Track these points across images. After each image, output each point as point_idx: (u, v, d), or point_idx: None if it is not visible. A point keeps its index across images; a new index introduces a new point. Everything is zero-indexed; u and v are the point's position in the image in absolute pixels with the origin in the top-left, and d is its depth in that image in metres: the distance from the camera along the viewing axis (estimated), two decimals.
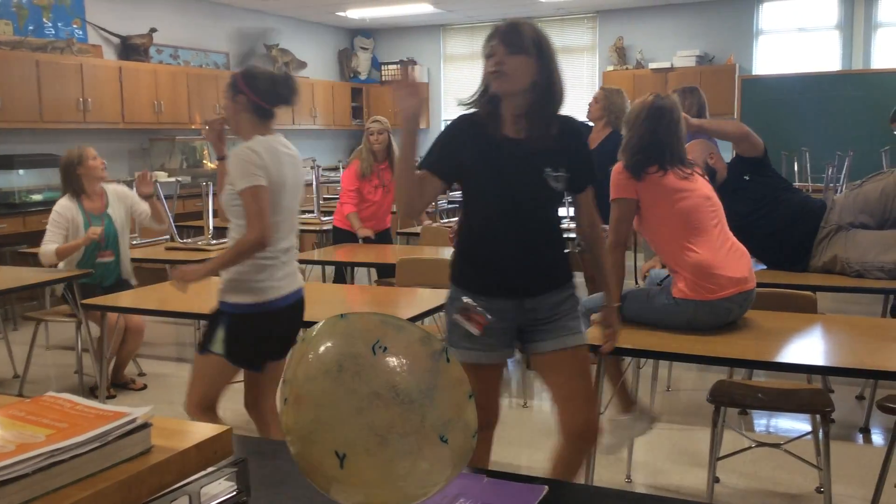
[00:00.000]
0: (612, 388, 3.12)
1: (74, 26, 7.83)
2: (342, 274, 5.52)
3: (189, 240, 5.66)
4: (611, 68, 10.47)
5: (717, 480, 3.17)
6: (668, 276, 3.02)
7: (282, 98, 2.80)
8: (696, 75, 9.63)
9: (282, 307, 2.79)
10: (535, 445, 3.78)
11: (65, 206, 4.43)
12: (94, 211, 4.49)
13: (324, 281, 6.26)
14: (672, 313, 2.81)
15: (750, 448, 3.25)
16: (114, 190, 4.65)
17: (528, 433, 3.92)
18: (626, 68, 10.38)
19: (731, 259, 2.85)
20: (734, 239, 2.93)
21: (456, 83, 11.73)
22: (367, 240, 5.37)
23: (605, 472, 3.32)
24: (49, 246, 4.34)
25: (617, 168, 2.93)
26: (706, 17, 10.17)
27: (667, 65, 10.08)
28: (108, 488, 0.90)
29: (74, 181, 4.47)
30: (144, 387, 4.70)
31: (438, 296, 3.59)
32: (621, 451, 3.35)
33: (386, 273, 5.21)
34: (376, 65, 12.03)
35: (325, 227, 6.75)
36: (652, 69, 10.15)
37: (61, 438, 0.90)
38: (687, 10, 10.25)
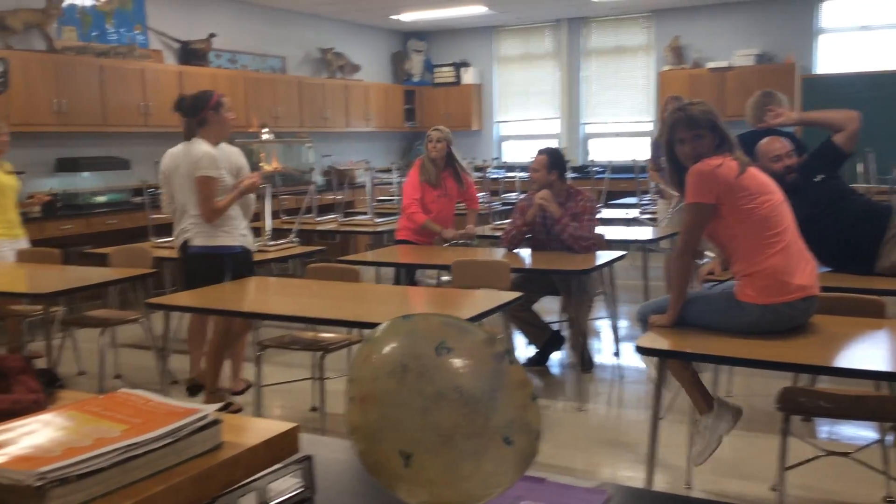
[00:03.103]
0: (688, 391, 3.05)
1: (136, 32, 8.03)
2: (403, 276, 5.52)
3: None
4: (667, 68, 10.34)
5: (775, 489, 3.10)
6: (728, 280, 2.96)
7: None
8: (754, 75, 9.45)
9: None
10: (591, 449, 3.75)
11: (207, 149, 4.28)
12: None
13: (377, 282, 6.30)
14: (735, 317, 2.76)
15: (818, 457, 3.17)
16: (234, 150, 4.58)
17: (584, 437, 3.89)
18: (683, 68, 10.24)
19: (801, 264, 2.79)
20: (802, 243, 2.87)
21: (508, 85, 11.71)
22: (449, 240, 5.40)
23: (662, 479, 3.28)
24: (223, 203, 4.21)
25: (695, 170, 2.86)
26: (765, 16, 9.97)
27: (725, 64, 9.91)
28: (180, 483, 0.92)
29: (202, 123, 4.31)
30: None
31: (493, 298, 3.60)
32: (712, 454, 3.07)
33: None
34: (429, 67, 12.07)
35: (378, 230, 6.82)
36: (709, 69, 9.99)
37: (136, 434, 0.93)
38: (745, 8, 10.06)
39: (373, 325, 3.09)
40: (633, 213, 7.25)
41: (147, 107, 7.55)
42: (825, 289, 2.94)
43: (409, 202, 5.48)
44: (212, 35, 8.55)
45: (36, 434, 0.95)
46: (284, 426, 1.09)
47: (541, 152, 4.91)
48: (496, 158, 11.27)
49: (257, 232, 6.04)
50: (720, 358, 2.75)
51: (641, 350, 2.77)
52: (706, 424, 2.97)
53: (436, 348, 1.04)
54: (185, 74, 8.04)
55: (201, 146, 4.15)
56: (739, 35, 10.10)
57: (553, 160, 4.82)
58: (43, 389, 1.19)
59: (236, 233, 4.30)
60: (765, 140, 3.98)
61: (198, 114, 4.19)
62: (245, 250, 4.40)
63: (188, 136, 4.32)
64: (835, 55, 9.76)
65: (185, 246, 4.34)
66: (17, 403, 1.10)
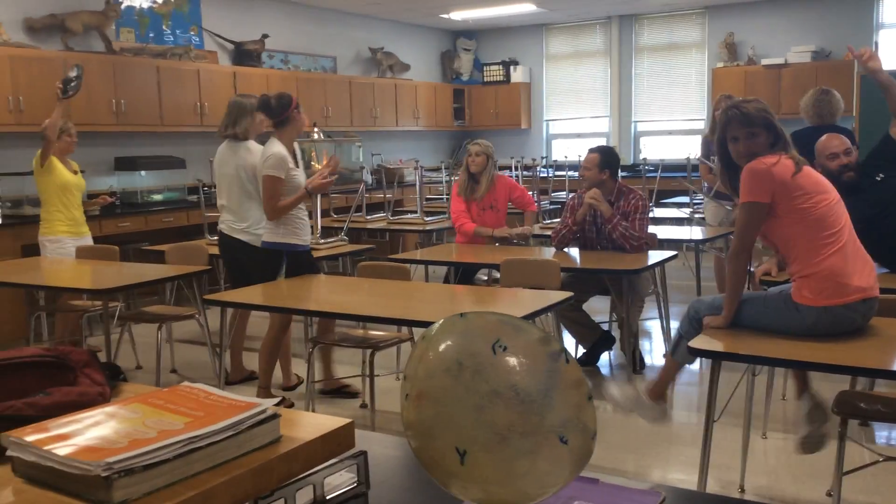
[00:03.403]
0: (664, 374, 3.27)
1: (192, 33, 8.18)
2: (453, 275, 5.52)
3: None
4: (721, 65, 10.17)
5: (831, 494, 3.04)
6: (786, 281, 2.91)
7: None
8: (811, 72, 9.24)
9: None
10: (642, 451, 3.72)
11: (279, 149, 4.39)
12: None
13: (426, 280, 6.32)
14: (792, 319, 2.71)
15: (876, 462, 3.09)
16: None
17: (635, 438, 3.85)
18: (737, 65, 10.07)
19: (859, 265, 2.73)
20: (859, 243, 2.80)
21: (558, 83, 11.64)
22: (504, 240, 5.40)
23: (715, 482, 3.23)
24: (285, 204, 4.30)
25: (749, 169, 2.80)
26: (822, 11, 9.75)
27: (780, 61, 9.71)
28: (241, 475, 0.94)
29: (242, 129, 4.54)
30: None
31: (543, 297, 3.59)
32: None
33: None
34: (478, 66, 12.07)
35: (427, 228, 6.84)
36: (764, 65, 9.80)
37: (198, 426, 0.95)
38: (801, 3, 9.84)
39: (423, 324, 3.12)
40: (685, 212, 7.16)
41: (202, 107, 7.69)
42: (884, 290, 2.87)
43: (456, 215, 5.52)
44: (265, 36, 8.67)
45: (102, 425, 0.98)
46: (340, 421, 1.10)
47: (592, 151, 4.87)
48: (545, 157, 11.22)
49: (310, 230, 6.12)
50: (776, 360, 2.70)
51: (695, 352, 2.74)
52: (643, 402, 3.26)
53: (491, 346, 1.04)
54: (239, 75, 8.17)
55: (273, 146, 4.25)
56: (795, 31, 9.89)
57: (605, 158, 4.79)
58: (107, 382, 1.23)
59: (301, 232, 4.38)
60: (824, 137, 3.90)
61: (281, 114, 4.29)
62: (309, 249, 4.49)
63: (230, 135, 4.53)
64: None
65: (225, 239, 4.55)
66: (84, 396, 1.13)
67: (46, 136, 5.06)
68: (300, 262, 4.36)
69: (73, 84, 5.05)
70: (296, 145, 4.50)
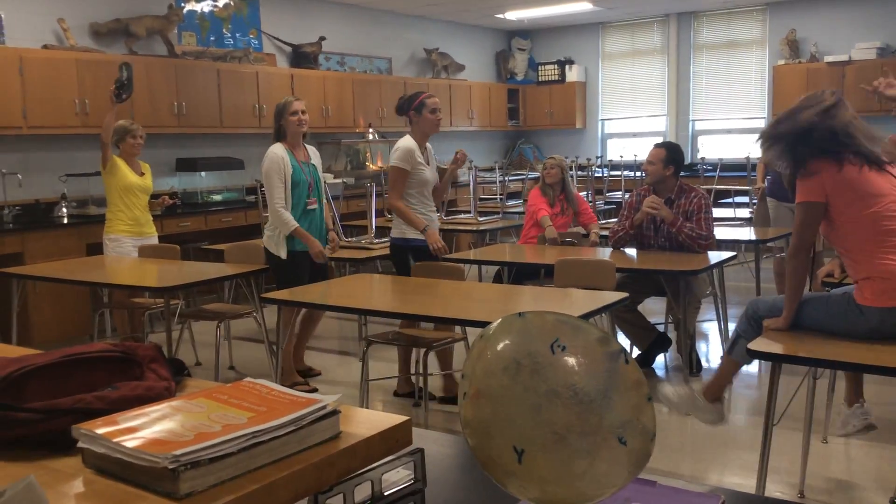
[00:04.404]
0: (719, 375, 3.23)
1: (251, 36, 8.32)
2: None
3: (353, 238, 5.89)
4: (782, 62, 9.95)
5: (893, 501, 2.95)
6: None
7: None
8: (876, 69, 8.94)
9: None
10: (699, 454, 3.66)
11: (276, 150, 4.60)
12: (301, 158, 4.70)
13: (479, 280, 6.33)
14: (855, 321, 2.65)
15: None
16: (311, 149, 4.87)
17: (692, 441, 3.80)
18: (800, 62, 9.84)
19: None
20: None
21: (614, 82, 11.53)
22: (552, 241, 5.48)
23: (774, 487, 3.17)
24: (288, 216, 4.54)
25: (803, 171, 2.77)
26: (888, 6, 9.46)
27: (844, 58, 9.45)
28: (302, 470, 0.95)
29: (280, 129, 4.66)
30: (319, 373, 5.04)
31: (598, 298, 3.56)
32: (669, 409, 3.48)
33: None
34: (533, 66, 12.01)
35: (481, 228, 6.85)
36: (828, 63, 9.55)
37: (261, 421, 0.97)
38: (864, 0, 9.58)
39: (477, 323, 3.12)
40: (744, 212, 7.02)
41: (261, 108, 7.81)
42: None
43: (536, 208, 5.76)
44: (322, 38, 8.77)
45: (168, 419, 1.00)
46: (398, 419, 1.11)
47: (658, 146, 4.84)
48: (600, 157, 11.12)
49: (364, 230, 6.18)
50: (838, 363, 2.64)
51: (754, 354, 2.69)
52: (699, 403, 3.21)
53: (550, 346, 1.04)
54: (297, 77, 8.28)
55: (404, 140, 4.55)
56: (859, 27, 9.62)
57: (670, 154, 4.75)
58: (172, 377, 1.26)
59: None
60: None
61: (406, 111, 4.60)
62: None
63: (277, 137, 4.69)
64: None
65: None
66: (151, 390, 1.16)
67: (101, 139, 5.21)
68: (425, 256, 4.49)
69: (125, 86, 5.18)
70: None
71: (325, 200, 4.89)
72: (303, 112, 4.64)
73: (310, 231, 4.64)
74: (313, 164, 4.78)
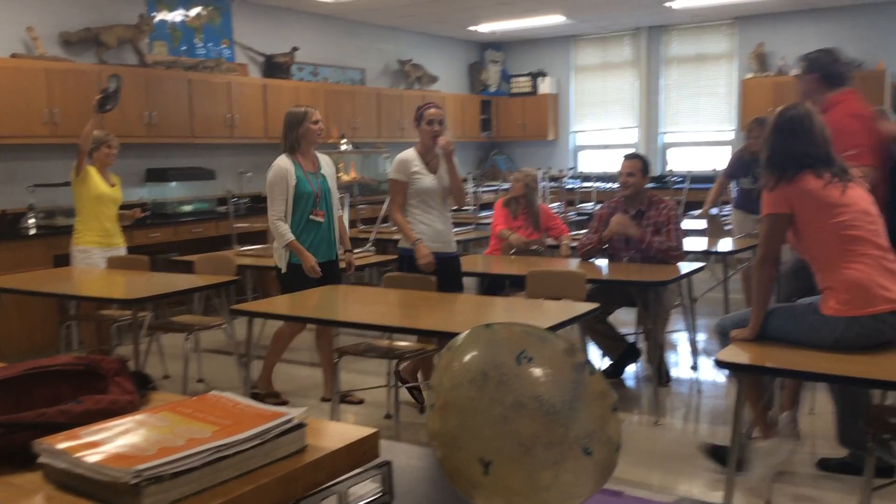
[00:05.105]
0: (753, 410, 3.00)
1: (223, 46, 8.29)
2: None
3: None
4: (750, 76, 10.10)
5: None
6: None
7: None
8: None
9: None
10: (667, 465, 3.68)
11: (280, 163, 4.51)
12: (309, 168, 4.59)
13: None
14: (820, 331, 2.68)
15: None
16: (325, 158, 4.78)
17: (660, 451, 3.82)
18: (767, 76, 9.99)
19: (888, 276, 2.69)
20: (893, 256, 2.77)
21: (586, 94, 11.63)
22: (519, 247, 5.56)
23: (741, 498, 3.19)
24: (285, 229, 4.45)
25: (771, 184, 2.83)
26: (853, 22, 9.65)
27: None
28: (268, 484, 0.95)
29: (293, 138, 4.56)
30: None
31: (569, 308, 3.57)
32: (767, 481, 3.17)
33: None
34: (506, 77, 12.08)
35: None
36: (795, 76, 9.67)
37: (226, 435, 0.96)
38: (833, 14, 9.75)
39: (448, 335, 3.13)
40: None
41: (232, 119, 7.78)
42: None
43: (495, 223, 5.81)
44: (295, 49, 8.76)
45: (131, 433, 0.99)
46: (365, 431, 1.11)
47: (631, 157, 4.86)
48: (572, 168, 11.20)
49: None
50: (804, 373, 2.67)
51: (721, 364, 2.72)
52: (766, 449, 2.99)
53: (516, 357, 1.05)
54: (270, 87, 8.25)
55: (404, 152, 4.63)
56: (827, 41, 9.72)
57: (645, 164, 4.81)
58: (137, 391, 1.25)
59: (424, 239, 4.50)
60: None
61: (416, 123, 4.72)
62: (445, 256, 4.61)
63: (285, 149, 4.61)
64: None
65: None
66: (114, 404, 1.15)
67: (80, 147, 5.14)
68: (439, 267, 4.47)
69: (111, 97, 5.12)
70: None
71: (338, 213, 4.77)
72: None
73: (315, 244, 4.54)
74: (323, 175, 4.65)
